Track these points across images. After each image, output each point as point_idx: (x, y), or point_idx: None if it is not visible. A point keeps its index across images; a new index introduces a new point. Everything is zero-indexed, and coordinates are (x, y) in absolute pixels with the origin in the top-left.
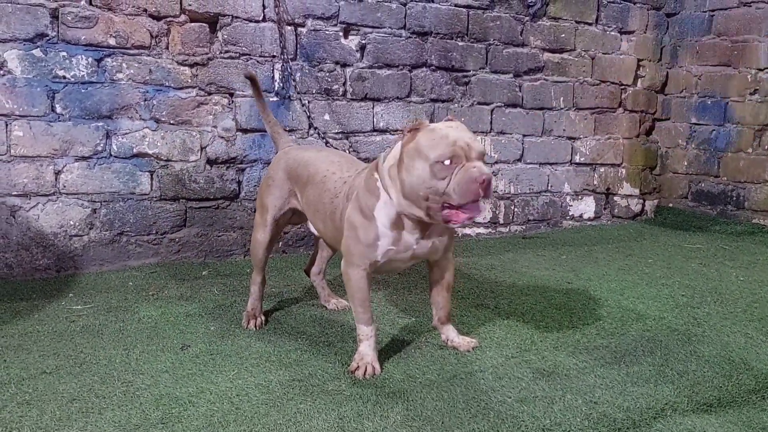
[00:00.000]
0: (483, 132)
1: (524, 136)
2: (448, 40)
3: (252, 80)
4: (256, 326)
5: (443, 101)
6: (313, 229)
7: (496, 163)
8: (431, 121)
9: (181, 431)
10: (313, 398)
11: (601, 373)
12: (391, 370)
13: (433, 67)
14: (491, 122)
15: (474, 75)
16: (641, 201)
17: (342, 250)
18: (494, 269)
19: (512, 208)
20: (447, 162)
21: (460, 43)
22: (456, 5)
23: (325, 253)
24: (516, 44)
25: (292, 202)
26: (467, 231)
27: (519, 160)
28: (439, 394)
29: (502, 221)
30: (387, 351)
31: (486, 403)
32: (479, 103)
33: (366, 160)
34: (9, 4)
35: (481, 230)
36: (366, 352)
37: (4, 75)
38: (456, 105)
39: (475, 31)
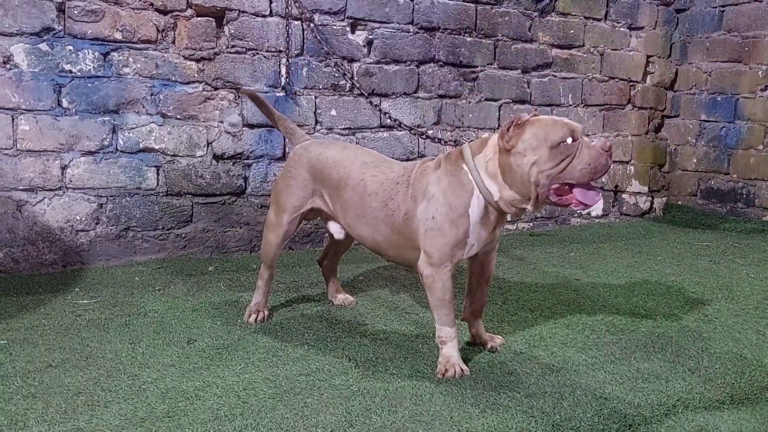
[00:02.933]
0: (491, 128)
1: None
2: (456, 36)
3: (253, 98)
4: (256, 320)
5: (451, 97)
6: (334, 231)
7: None
8: (439, 117)
9: (187, 425)
10: (321, 393)
11: (611, 369)
12: (399, 365)
13: (441, 63)
14: (499, 118)
15: (482, 71)
16: (650, 198)
17: (426, 252)
18: (502, 266)
19: None
20: (569, 141)
21: (468, 39)
22: (464, 0)
23: (340, 248)
24: (524, 40)
25: (316, 203)
26: None
27: None
28: (448, 389)
29: (509, 218)
30: (395, 346)
31: (495, 398)
32: (487, 99)
33: None
34: None
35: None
36: (451, 353)
37: (10, 69)
38: (464, 101)
39: (483, 26)
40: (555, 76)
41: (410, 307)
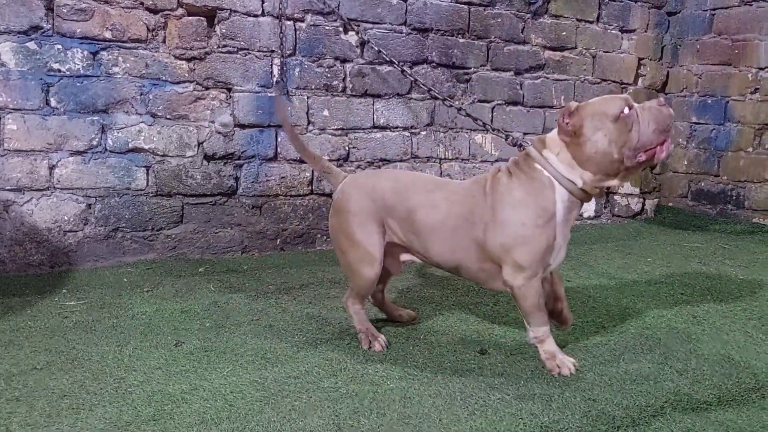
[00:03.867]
0: (484, 130)
1: (525, 134)
2: (449, 37)
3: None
4: (382, 346)
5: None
6: (406, 259)
7: (496, 161)
8: (431, 118)
9: (173, 428)
10: (309, 395)
11: (600, 370)
12: (389, 368)
13: (434, 64)
14: (492, 120)
15: (475, 72)
16: (641, 200)
17: (517, 263)
18: None
19: None
20: (627, 110)
21: (461, 40)
22: (457, 2)
23: (387, 278)
24: (517, 42)
25: (389, 236)
26: None
27: None
28: (437, 390)
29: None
30: (385, 347)
31: (484, 400)
32: (480, 101)
33: (362, 156)
34: None
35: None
36: (555, 349)
37: None
38: (457, 102)
39: (476, 28)
40: (547, 78)
41: (402, 307)
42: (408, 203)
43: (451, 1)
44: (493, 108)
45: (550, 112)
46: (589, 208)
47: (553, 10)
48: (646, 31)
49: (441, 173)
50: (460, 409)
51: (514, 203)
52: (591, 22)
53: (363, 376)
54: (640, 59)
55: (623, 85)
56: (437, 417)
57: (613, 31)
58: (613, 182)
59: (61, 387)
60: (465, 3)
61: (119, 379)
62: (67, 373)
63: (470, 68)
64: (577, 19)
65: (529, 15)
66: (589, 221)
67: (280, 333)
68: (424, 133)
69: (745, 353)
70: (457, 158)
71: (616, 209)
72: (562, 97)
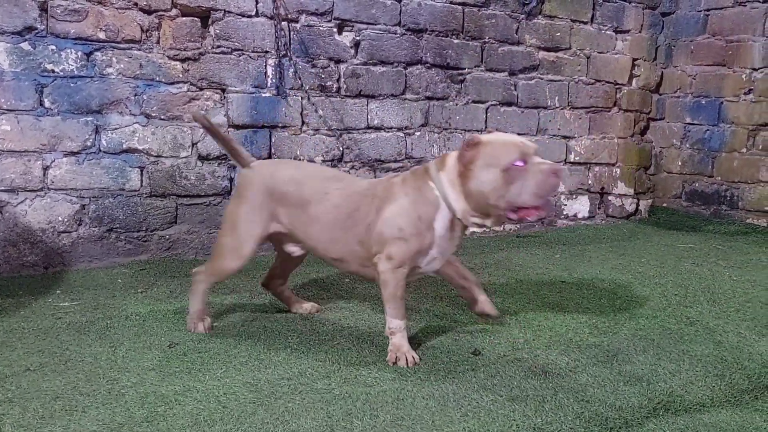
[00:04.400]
0: (478, 130)
1: (519, 134)
2: (443, 38)
3: (204, 125)
4: (206, 328)
5: (438, 99)
6: (292, 250)
7: None
8: (426, 119)
9: (166, 430)
10: (302, 397)
11: (593, 372)
12: (381, 369)
13: (428, 65)
14: (486, 120)
15: (469, 73)
16: (635, 201)
17: (388, 254)
18: (488, 267)
19: None
20: (519, 163)
21: (456, 41)
22: (451, 2)
23: (290, 267)
24: (511, 42)
25: (275, 227)
26: None
27: None
28: (430, 392)
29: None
30: (377, 350)
31: (477, 402)
32: (474, 102)
33: (356, 157)
34: None
35: (475, 228)
36: (402, 343)
37: None
38: (451, 103)
39: (470, 28)
40: (542, 79)
41: None
42: (303, 192)
43: (445, 2)
44: (488, 108)
45: (544, 112)
46: (583, 209)
47: (547, 11)
48: (640, 32)
49: None
50: (453, 411)
51: (398, 210)
52: (585, 23)
53: (356, 378)
54: (634, 60)
55: (617, 86)
56: (430, 419)
57: (607, 32)
58: (486, 222)
59: (54, 388)
60: (459, 3)
61: (112, 381)
62: (60, 374)
63: (464, 69)
64: (572, 20)
65: (523, 16)
66: (583, 222)
67: (273, 334)
68: (418, 133)
69: (738, 354)
70: None
71: (611, 210)
72: (556, 98)
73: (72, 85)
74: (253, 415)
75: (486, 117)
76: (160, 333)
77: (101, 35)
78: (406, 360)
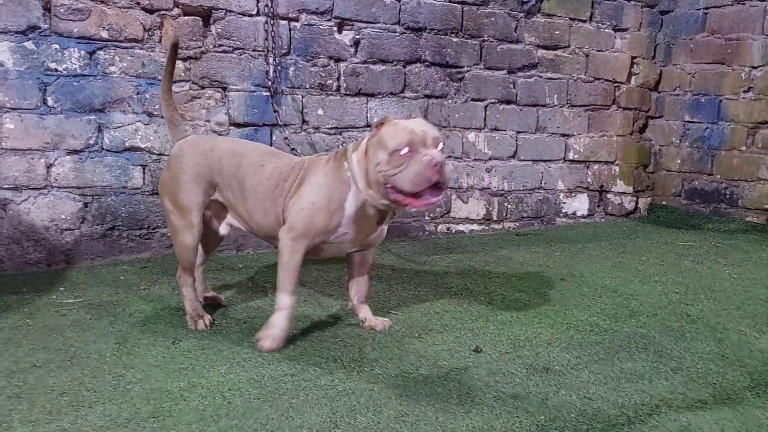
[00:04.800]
0: (477, 128)
1: (518, 132)
2: (442, 36)
3: (174, 49)
4: (206, 325)
5: (437, 97)
6: (221, 226)
7: (489, 159)
8: (425, 117)
9: (172, 425)
10: (306, 393)
11: (595, 369)
12: (385, 366)
13: (428, 63)
14: (485, 118)
15: (468, 71)
16: (634, 199)
17: (290, 224)
18: (488, 265)
19: (506, 204)
20: (404, 150)
21: (455, 39)
22: (451, 1)
23: (210, 248)
24: (510, 41)
25: (215, 195)
26: (460, 227)
27: (513, 156)
28: (433, 389)
29: (495, 218)
30: (380, 346)
31: (480, 398)
32: (473, 99)
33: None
34: None
35: (475, 227)
36: (278, 323)
37: None
38: (450, 101)
39: (469, 27)
40: (541, 77)
41: (396, 307)
42: (242, 166)
43: (444, 1)
44: (486, 106)
45: (543, 110)
46: (583, 207)
47: (546, 9)
48: (639, 30)
49: None
50: (456, 408)
51: (314, 184)
52: (584, 21)
53: (359, 375)
54: (633, 58)
55: (616, 84)
56: (433, 415)
57: (606, 30)
58: (383, 202)
59: (61, 384)
60: (458, 2)
61: (118, 377)
62: (66, 370)
63: (463, 67)
64: (570, 18)
65: (522, 14)
66: (582, 220)
67: None
68: None
69: (739, 352)
70: (450, 156)
71: (610, 208)
72: (555, 96)
73: (75, 83)
74: (258, 410)
75: (485, 115)
76: (164, 330)
77: (104, 34)
78: (269, 345)
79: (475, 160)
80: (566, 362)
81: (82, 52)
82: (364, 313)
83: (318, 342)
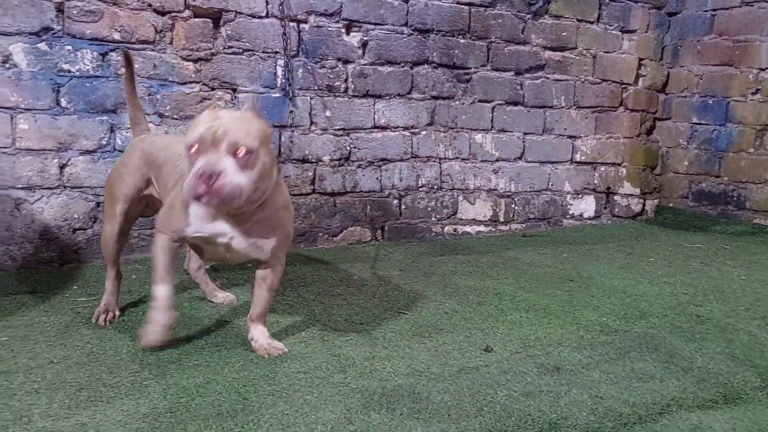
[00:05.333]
0: (484, 130)
1: (525, 134)
2: (449, 38)
3: (127, 58)
4: (106, 321)
5: (444, 98)
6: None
7: (496, 160)
8: (432, 118)
9: (189, 420)
10: (320, 390)
11: (606, 368)
12: (396, 364)
13: (435, 65)
14: (492, 120)
15: (475, 72)
16: (642, 201)
17: (159, 214)
18: (496, 266)
19: (513, 206)
20: (194, 149)
21: (462, 41)
22: (458, 2)
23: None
24: (517, 42)
25: (149, 190)
26: (467, 228)
27: (520, 158)
28: (445, 387)
29: (502, 219)
30: (391, 345)
31: (492, 397)
32: (480, 101)
33: (363, 156)
34: None
35: (481, 228)
36: (154, 318)
37: (9, 68)
38: (457, 102)
39: (476, 28)
40: (548, 78)
41: (405, 307)
42: (168, 159)
43: (452, 2)
44: (494, 108)
45: (550, 112)
46: (589, 209)
47: (553, 11)
48: (646, 32)
49: (441, 173)
50: (469, 406)
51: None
52: (591, 23)
53: (371, 372)
54: (640, 59)
55: (624, 85)
56: (446, 413)
57: (613, 32)
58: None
59: (79, 380)
60: (466, 4)
61: (134, 373)
62: (83, 366)
63: (471, 68)
64: (578, 20)
65: (529, 15)
66: (589, 221)
67: (286, 329)
68: (424, 132)
69: (749, 352)
70: (457, 158)
71: (617, 210)
72: (563, 97)
73: (88, 84)
74: (273, 407)
75: (492, 116)
76: (178, 327)
77: (116, 36)
78: (147, 340)
79: (482, 161)
80: (577, 362)
81: (95, 54)
82: (254, 332)
83: (329, 340)
